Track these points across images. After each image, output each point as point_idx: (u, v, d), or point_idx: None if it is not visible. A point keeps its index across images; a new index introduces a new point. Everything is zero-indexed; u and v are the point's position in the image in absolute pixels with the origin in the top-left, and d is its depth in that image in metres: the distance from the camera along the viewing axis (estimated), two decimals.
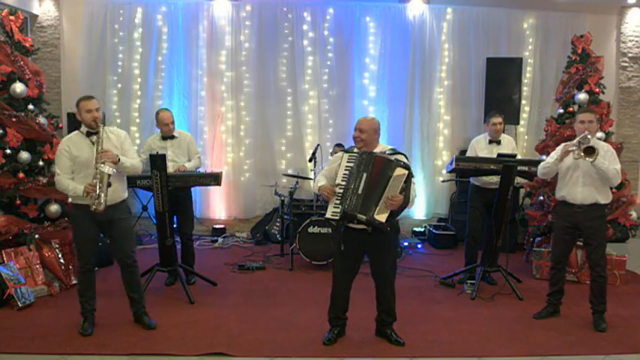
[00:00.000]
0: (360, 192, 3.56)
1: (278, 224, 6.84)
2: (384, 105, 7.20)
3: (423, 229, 7.23)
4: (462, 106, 7.26)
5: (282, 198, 6.29)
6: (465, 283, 5.15)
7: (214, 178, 5.07)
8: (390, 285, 3.88)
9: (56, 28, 6.88)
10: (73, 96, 6.83)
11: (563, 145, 4.23)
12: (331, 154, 6.31)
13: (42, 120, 4.99)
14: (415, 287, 5.16)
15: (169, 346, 3.77)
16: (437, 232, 6.86)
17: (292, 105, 7.17)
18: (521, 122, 7.13)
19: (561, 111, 5.98)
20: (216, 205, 7.22)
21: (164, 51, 6.95)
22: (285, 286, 5.18)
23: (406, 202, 3.60)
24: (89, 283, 4.02)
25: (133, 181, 4.69)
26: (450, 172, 5.27)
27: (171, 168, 5.02)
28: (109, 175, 3.72)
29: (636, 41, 7.29)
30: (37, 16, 6.80)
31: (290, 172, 7.05)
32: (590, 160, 3.97)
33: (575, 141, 4.12)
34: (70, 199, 5.01)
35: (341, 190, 3.63)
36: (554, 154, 4.31)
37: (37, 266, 4.78)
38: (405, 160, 3.65)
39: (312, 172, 6.35)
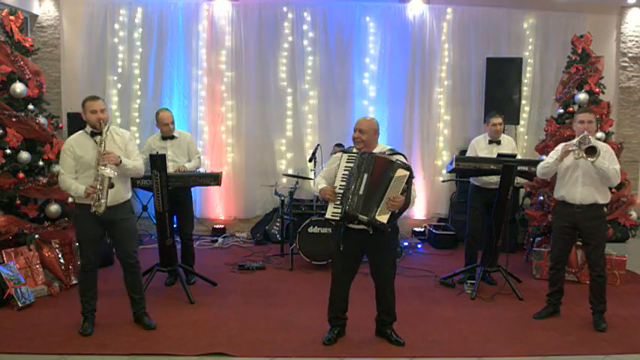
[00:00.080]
0: (361, 193, 3.56)
1: (278, 224, 6.84)
2: (384, 105, 7.20)
3: (423, 229, 7.23)
4: (461, 106, 7.26)
5: (282, 198, 6.29)
6: (465, 283, 5.15)
7: (214, 178, 5.07)
8: (389, 285, 3.88)
9: (56, 28, 6.88)
10: (73, 96, 6.88)
11: (563, 145, 4.23)
12: (331, 154, 6.31)
13: (42, 120, 4.99)
14: (415, 287, 5.16)
15: (169, 346, 3.77)
16: (437, 232, 6.86)
17: (292, 105, 7.17)
18: (521, 122, 7.13)
19: (561, 111, 5.98)
20: (216, 205, 7.22)
21: (164, 51, 6.95)
22: (285, 286, 5.18)
23: (407, 202, 3.61)
24: (90, 283, 4.02)
25: (133, 181, 4.66)
26: (450, 172, 5.27)
27: (171, 168, 5.02)
28: (110, 178, 3.72)
29: (636, 41, 7.29)
30: (37, 16, 6.80)
31: (290, 172, 7.06)
32: (592, 160, 3.97)
33: (574, 141, 4.12)
34: (70, 199, 5.06)
35: (341, 191, 3.63)
36: (554, 154, 4.31)
37: (37, 266, 4.78)
38: (404, 160, 3.66)
39: (312, 172, 6.35)
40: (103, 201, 3.72)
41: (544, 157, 5.46)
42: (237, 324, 4.18)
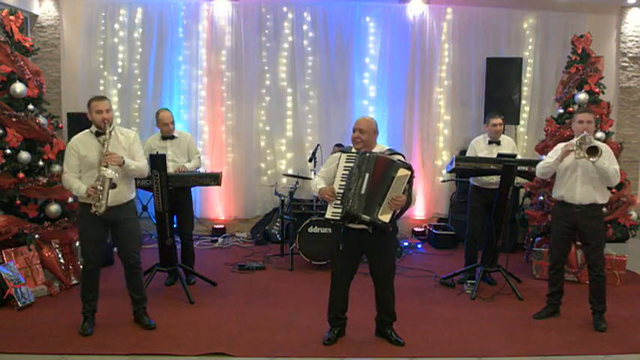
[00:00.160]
0: (362, 192, 3.56)
1: (278, 224, 6.84)
2: (384, 105, 7.20)
3: (423, 229, 7.23)
4: (461, 106, 7.25)
5: (282, 198, 6.29)
6: (465, 283, 5.15)
7: (214, 178, 5.08)
8: (389, 284, 3.88)
9: (56, 28, 6.88)
10: (73, 96, 6.89)
11: (563, 144, 4.23)
12: (331, 155, 6.31)
13: (42, 120, 4.99)
14: (415, 287, 5.16)
15: (169, 346, 3.78)
16: (437, 232, 6.86)
17: (292, 105, 7.17)
18: (521, 122, 7.13)
19: (561, 111, 5.98)
20: (216, 205, 7.22)
21: (164, 51, 6.94)
22: (285, 286, 5.18)
23: (409, 202, 3.62)
24: (92, 284, 4.00)
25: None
26: (450, 172, 5.27)
27: (171, 168, 5.02)
28: (111, 179, 3.72)
29: (636, 41, 7.29)
30: (37, 16, 6.80)
31: (290, 172, 7.06)
32: (594, 160, 3.97)
33: (574, 141, 4.12)
34: (70, 199, 5.06)
35: (341, 191, 3.62)
36: (553, 155, 4.31)
37: (37, 266, 4.78)
38: (404, 160, 3.66)
39: (312, 172, 6.35)
40: (103, 202, 3.72)
41: (544, 157, 5.47)
42: (237, 324, 4.18)
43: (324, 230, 5.59)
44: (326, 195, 3.66)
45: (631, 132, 7.37)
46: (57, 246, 4.99)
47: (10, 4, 5.82)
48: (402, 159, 3.69)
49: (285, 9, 7.02)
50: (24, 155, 4.83)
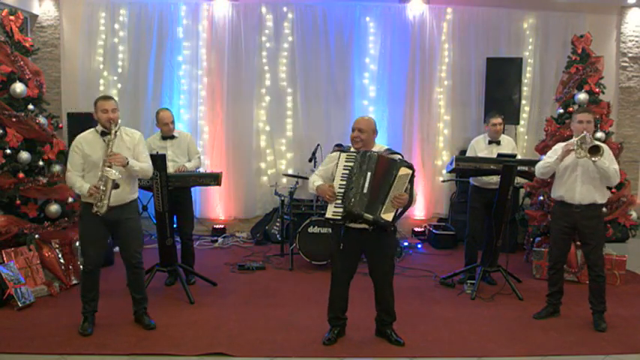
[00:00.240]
0: (365, 191, 3.56)
1: (278, 224, 6.84)
2: (384, 105, 7.20)
3: (423, 229, 7.23)
4: (461, 106, 7.25)
5: (282, 198, 6.30)
6: (465, 283, 5.15)
7: (214, 178, 5.08)
8: (388, 284, 3.88)
9: (56, 28, 6.88)
10: (73, 96, 6.89)
11: (564, 144, 4.23)
12: (329, 154, 6.31)
13: (42, 120, 4.99)
14: (415, 287, 5.16)
15: (169, 346, 3.77)
16: (437, 232, 6.86)
17: (292, 105, 7.17)
18: (521, 122, 7.13)
19: (561, 111, 5.98)
20: (216, 205, 7.22)
21: (164, 51, 6.94)
22: (285, 286, 5.18)
23: (410, 201, 3.64)
24: (92, 284, 3.99)
25: None
26: (450, 172, 5.27)
27: (171, 168, 5.02)
28: (114, 180, 3.71)
29: (636, 41, 7.29)
30: (37, 16, 6.80)
31: (290, 172, 7.06)
32: (595, 159, 3.96)
33: (574, 140, 4.11)
34: (70, 199, 5.06)
35: (342, 190, 3.62)
36: (552, 154, 4.31)
37: (37, 266, 4.78)
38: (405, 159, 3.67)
39: (313, 172, 6.34)
40: (105, 202, 3.71)
41: (543, 157, 5.47)
42: (237, 324, 4.18)
43: (324, 230, 5.59)
44: (326, 194, 3.66)
45: (631, 132, 7.37)
46: (57, 246, 4.98)
47: (10, 4, 5.82)
48: (403, 158, 3.70)
49: (285, 9, 7.02)
50: (24, 155, 4.83)
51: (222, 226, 7.10)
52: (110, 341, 3.82)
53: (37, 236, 4.85)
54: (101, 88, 6.91)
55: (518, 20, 7.21)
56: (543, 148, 5.93)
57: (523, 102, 7.07)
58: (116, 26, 6.90)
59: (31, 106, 4.93)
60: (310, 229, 5.63)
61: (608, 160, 4.12)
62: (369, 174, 3.57)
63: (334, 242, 3.83)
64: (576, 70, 5.84)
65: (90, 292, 3.99)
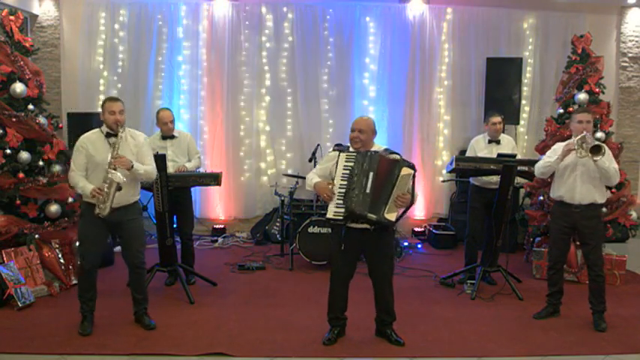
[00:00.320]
0: (367, 191, 3.56)
1: (278, 224, 6.84)
2: (384, 105, 7.19)
3: (423, 229, 7.23)
4: (461, 106, 7.25)
5: (282, 198, 6.30)
6: (465, 283, 5.15)
7: (214, 178, 5.08)
8: (388, 284, 3.88)
9: (56, 28, 6.88)
10: (73, 96, 6.89)
11: (564, 144, 4.23)
12: (328, 153, 6.31)
13: (42, 120, 4.99)
14: (415, 287, 5.15)
15: (169, 346, 3.77)
16: (437, 232, 6.86)
17: (292, 105, 7.17)
18: (521, 122, 7.13)
19: (561, 111, 5.98)
20: (216, 205, 7.22)
21: (164, 51, 6.94)
22: (285, 286, 5.18)
23: (412, 200, 3.65)
24: (89, 284, 3.98)
25: None
26: (450, 172, 5.27)
27: (171, 168, 5.02)
28: (118, 183, 3.71)
29: (636, 41, 7.29)
30: (37, 16, 6.80)
31: (290, 172, 7.06)
32: (597, 158, 3.96)
33: (574, 140, 4.11)
34: (70, 199, 5.06)
35: (343, 190, 3.62)
36: (552, 154, 4.31)
37: (37, 266, 4.78)
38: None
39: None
40: (108, 204, 3.71)
41: (543, 157, 5.47)
42: (237, 324, 4.18)
43: (324, 230, 5.59)
44: (325, 192, 3.65)
45: (631, 132, 7.37)
46: (57, 246, 4.98)
47: (10, 4, 5.82)
48: (402, 158, 3.70)
49: (285, 9, 7.02)
50: (24, 155, 4.83)
51: (222, 226, 7.09)
52: (110, 341, 3.82)
53: (37, 236, 4.85)
54: (101, 88, 6.92)
55: (518, 20, 7.21)
56: (543, 148, 5.92)
57: (523, 102, 7.07)
58: (116, 26, 6.89)
59: (31, 106, 4.93)
60: (310, 229, 5.63)
61: (608, 160, 4.12)
62: (371, 174, 3.57)
63: (334, 242, 3.83)
64: (576, 70, 5.84)
65: (87, 291, 3.98)
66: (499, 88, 6.82)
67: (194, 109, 7.07)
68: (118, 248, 5.42)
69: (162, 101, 6.95)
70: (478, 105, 7.16)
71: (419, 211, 7.34)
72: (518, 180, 5.54)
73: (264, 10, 7.01)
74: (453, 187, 7.23)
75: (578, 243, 4.71)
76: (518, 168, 4.98)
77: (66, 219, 5.03)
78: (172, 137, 5.22)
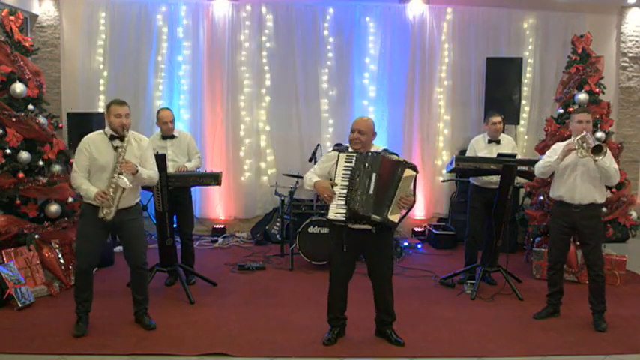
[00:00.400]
0: (370, 192, 3.56)
1: (278, 224, 6.84)
2: (384, 105, 7.19)
3: (423, 229, 7.23)
4: (461, 106, 7.25)
5: (282, 198, 6.30)
6: (465, 283, 5.15)
7: (214, 178, 5.08)
8: (388, 284, 3.88)
9: (56, 28, 6.88)
10: (73, 96, 6.89)
11: (564, 144, 4.23)
12: (326, 153, 6.31)
13: (42, 120, 4.99)
14: (415, 287, 5.15)
15: (169, 346, 3.77)
16: (437, 232, 6.86)
17: (292, 105, 7.17)
18: (521, 122, 7.13)
19: (561, 111, 5.98)
20: (216, 205, 7.22)
21: (164, 51, 6.94)
22: (285, 286, 5.18)
23: (414, 201, 3.65)
24: (86, 284, 3.95)
25: None
26: (450, 172, 5.27)
27: (171, 168, 5.02)
28: (124, 189, 3.71)
29: (636, 41, 7.29)
30: (37, 16, 6.80)
31: (290, 172, 7.05)
32: (598, 158, 3.96)
33: (575, 140, 4.11)
34: (70, 199, 5.06)
35: (344, 191, 3.61)
36: (552, 154, 4.31)
37: (37, 266, 4.78)
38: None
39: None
40: (113, 208, 3.72)
41: (542, 157, 5.47)
42: (237, 324, 4.18)
43: (324, 230, 5.58)
44: (325, 191, 3.65)
45: (631, 132, 7.37)
46: (57, 246, 4.98)
47: (10, 4, 5.82)
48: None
49: (285, 9, 7.01)
50: (24, 155, 4.83)
51: (222, 226, 7.09)
52: (110, 341, 3.82)
53: (37, 236, 4.85)
54: (101, 88, 6.92)
55: (518, 20, 7.21)
56: (543, 148, 5.92)
57: (523, 102, 7.07)
58: (116, 26, 6.89)
59: (31, 106, 4.93)
60: (310, 229, 5.63)
61: (608, 160, 4.11)
62: (374, 175, 3.57)
63: (334, 243, 3.82)
64: (576, 70, 5.84)
65: (84, 292, 3.96)
66: (499, 88, 6.82)
67: (194, 109, 7.06)
68: (118, 248, 5.44)
69: (162, 101, 6.95)
70: (478, 105, 7.16)
71: (419, 211, 7.35)
72: (518, 180, 5.54)
73: (264, 10, 7.01)
74: (453, 187, 7.23)
75: (578, 243, 4.71)
76: (518, 168, 4.98)
77: (66, 219, 5.03)
78: (172, 137, 5.22)
